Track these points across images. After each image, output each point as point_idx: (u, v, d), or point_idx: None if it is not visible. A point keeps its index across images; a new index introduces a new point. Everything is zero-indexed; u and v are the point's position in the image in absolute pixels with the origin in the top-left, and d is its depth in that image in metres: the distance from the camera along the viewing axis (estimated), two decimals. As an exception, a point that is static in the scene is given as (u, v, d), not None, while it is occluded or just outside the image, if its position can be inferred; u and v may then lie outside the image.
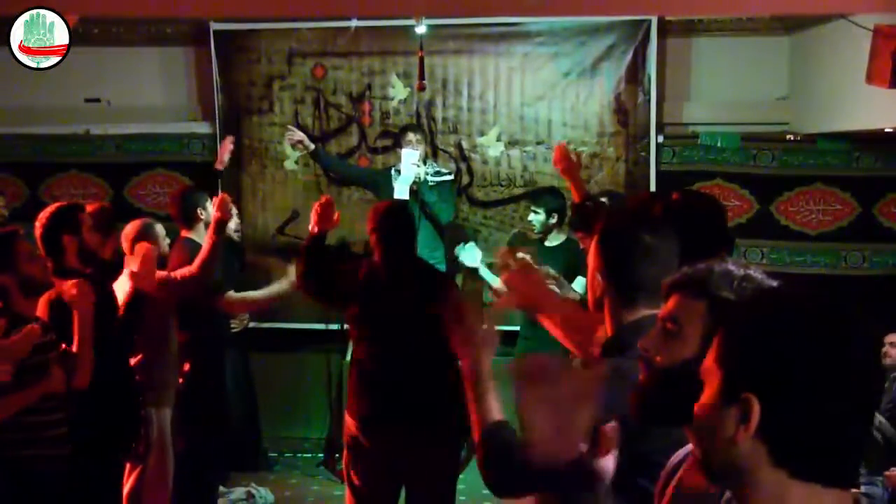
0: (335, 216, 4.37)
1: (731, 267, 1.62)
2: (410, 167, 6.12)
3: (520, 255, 3.29)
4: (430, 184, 6.21)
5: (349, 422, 4.26)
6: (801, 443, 1.16)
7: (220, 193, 4.81)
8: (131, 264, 4.21)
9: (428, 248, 6.29)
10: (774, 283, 1.58)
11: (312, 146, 6.40)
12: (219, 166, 6.05)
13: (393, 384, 4.11)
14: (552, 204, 5.82)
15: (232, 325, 5.81)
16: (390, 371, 4.12)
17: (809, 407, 1.14)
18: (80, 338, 3.75)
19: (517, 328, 6.15)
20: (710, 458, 1.23)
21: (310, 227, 4.35)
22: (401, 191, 6.15)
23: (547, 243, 5.84)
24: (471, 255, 5.92)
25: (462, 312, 2.21)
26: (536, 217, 5.80)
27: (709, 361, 1.24)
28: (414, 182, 6.14)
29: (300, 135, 6.38)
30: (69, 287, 3.77)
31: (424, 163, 6.28)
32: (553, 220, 5.77)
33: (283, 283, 5.33)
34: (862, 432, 1.18)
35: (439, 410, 4.18)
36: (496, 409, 2.10)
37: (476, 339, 2.16)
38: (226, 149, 6.07)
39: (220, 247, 4.67)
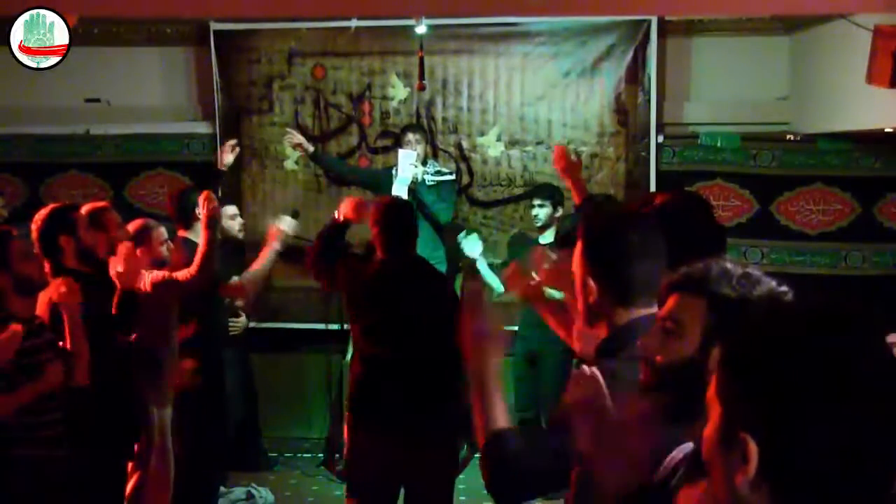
0: (366, 215, 4.41)
1: (729, 265, 1.62)
2: (408, 167, 6.13)
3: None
4: (428, 184, 6.20)
5: (349, 421, 4.26)
6: (807, 489, 1.04)
7: (205, 192, 4.79)
8: (115, 265, 4.15)
9: (427, 248, 6.28)
10: (773, 282, 1.59)
11: (311, 148, 6.40)
12: (221, 167, 6.02)
13: (395, 384, 4.10)
14: (557, 196, 5.96)
15: (231, 328, 5.80)
16: (393, 370, 4.11)
17: (815, 447, 1.02)
18: (72, 335, 3.74)
19: (515, 328, 6.19)
20: (719, 494, 1.15)
21: (336, 215, 4.46)
22: (398, 191, 6.14)
23: (542, 240, 5.97)
24: (473, 245, 5.92)
25: (470, 315, 2.16)
26: (543, 210, 5.91)
27: (710, 392, 1.16)
28: (412, 182, 6.14)
29: (300, 137, 6.38)
30: (57, 285, 3.77)
31: (424, 163, 6.28)
32: (558, 213, 5.93)
33: (271, 252, 5.35)
34: (877, 472, 1.04)
35: (439, 411, 4.18)
36: (501, 416, 2.04)
37: (483, 343, 2.11)
38: (226, 151, 6.01)
39: (214, 242, 4.64)
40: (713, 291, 1.59)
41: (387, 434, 4.11)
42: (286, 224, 5.56)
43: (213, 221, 4.62)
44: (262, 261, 5.38)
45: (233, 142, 6.05)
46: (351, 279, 4.25)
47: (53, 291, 3.80)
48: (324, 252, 4.37)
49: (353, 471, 4.26)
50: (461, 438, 4.58)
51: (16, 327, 3.53)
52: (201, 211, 4.68)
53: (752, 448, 1.06)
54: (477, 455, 7.25)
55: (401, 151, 6.20)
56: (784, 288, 1.58)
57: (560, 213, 5.99)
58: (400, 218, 4.27)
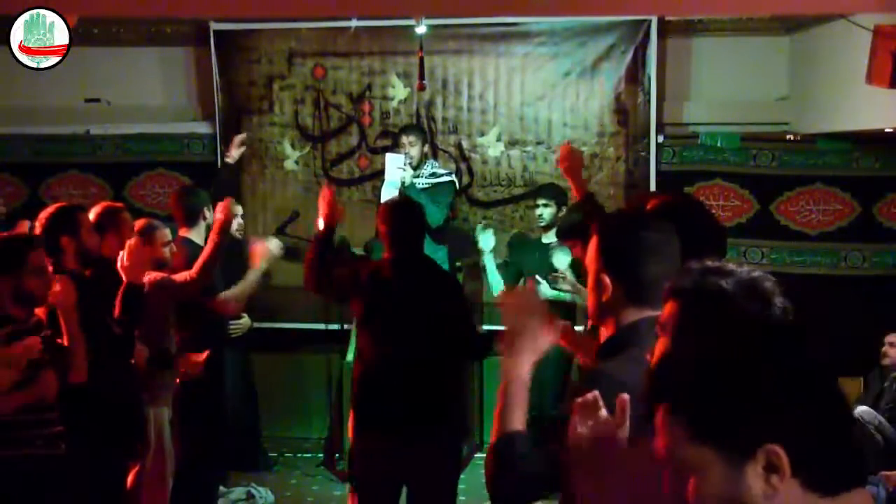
0: (340, 209, 4.47)
1: (722, 265, 1.65)
2: (395, 171, 6.12)
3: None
4: (419, 187, 6.17)
5: (353, 420, 4.27)
6: (736, 438, 1.16)
7: (223, 196, 4.85)
8: (121, 258, 4.15)
9: (427, 250, 6.26)
10: (770, 280, 1.59)
11: None
12: (227, 158, 6.10)
13: (399, 383, 4.10)
14: (561, 196, 5.93)
15: (231, 330, 5.74)
16: (397, 370, 4.11)
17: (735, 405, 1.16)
18: (69, 334, 3.74)
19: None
20: (665, 454, 1.22)
21: (319, 222, 4.41)
22: (387, 195, 6.13)
23: (544, 239, 5.95)
24: (486, 239, 5.89)
25: (514, 314, 2.14)
26: (547, 210, 5.89)
27: (689, 451, 1.20)
28: (401, 185, 6.12)
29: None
30: (53, 285, 3.75)
31: (420, 165, 6.26)
32: (562, 213, 5.89)
33: (255, 272, 5.30)
34: (839, 436, 1.16)
35: (442, 410, 4.18)
36: (518, 419, 2.03)
37: (520, 341, 2.10)
38: (234, 144, 6.15)
39: (221, 250, 4.69)
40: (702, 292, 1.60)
41: (391, 432, 4.12)
42: (273, 245, 5.50)
43: (226, 228, 4.65)
44: (246, 282, 5.31)
45: (242, 136, 6.11)
46: (355, 282, 4.23)
47: (52, 292, 3.79)
48: (319, 266, 4.32)
49: (356, 468, 4.27)
50: (462, 437, 4.58)
51: (34, 341, 3.54)
52: (216, 216, 4.71)
53: (782, 454, 1.15)
54: (478, 454, 7.27)
55: (388, 155, 6.21)
56: (770, 282, 1.59)
57: (563, 212, 5.98)
58: (408, 216, 4.26)
